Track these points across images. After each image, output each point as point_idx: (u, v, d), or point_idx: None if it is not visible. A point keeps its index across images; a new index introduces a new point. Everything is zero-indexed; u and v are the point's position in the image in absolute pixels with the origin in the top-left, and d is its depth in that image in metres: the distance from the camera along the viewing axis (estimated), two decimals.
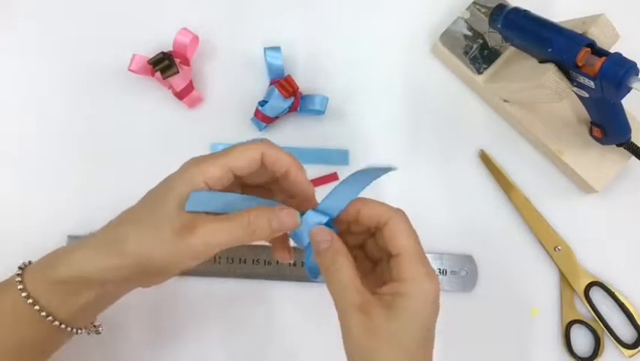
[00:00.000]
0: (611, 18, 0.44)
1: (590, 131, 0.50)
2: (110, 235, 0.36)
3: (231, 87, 0.53)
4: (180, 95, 0.51)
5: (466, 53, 0.53)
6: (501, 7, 0.49)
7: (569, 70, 0.43)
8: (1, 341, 0.36)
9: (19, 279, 0.36)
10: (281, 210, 0.34)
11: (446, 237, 0.52)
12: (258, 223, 0.34)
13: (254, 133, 0.52)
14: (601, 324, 0.50)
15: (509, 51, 0.53)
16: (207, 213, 0.34)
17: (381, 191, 0.52)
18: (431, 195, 0.53)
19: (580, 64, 0.42)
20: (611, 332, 0.50)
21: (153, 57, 0.50)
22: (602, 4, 0.47)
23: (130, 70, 0.50)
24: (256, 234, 0.34)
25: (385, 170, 0.36)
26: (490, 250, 0.52)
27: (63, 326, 0.37)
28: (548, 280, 0.52)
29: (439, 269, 0.51)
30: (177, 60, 0.51)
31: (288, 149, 0.51)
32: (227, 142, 0.52)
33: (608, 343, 0.50)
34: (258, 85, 0.53)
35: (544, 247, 0.52)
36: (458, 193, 0.53)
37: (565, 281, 0.51)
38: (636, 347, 0.50)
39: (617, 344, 0.50)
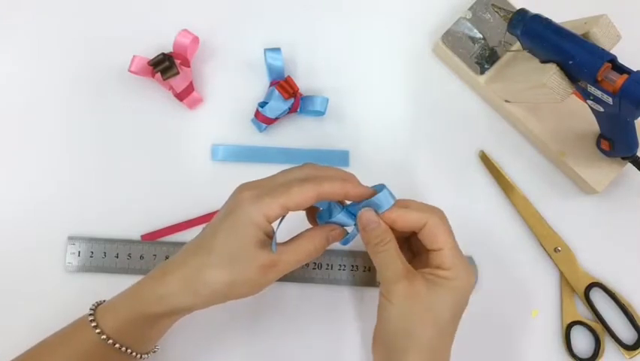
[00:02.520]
0: (613, 18, 0.44)
1: (598, 143, 0.50)
2: (196, 275, 0.38)
3: (231, 88, 0.53)
4: (181, 97, 0.51)
5: (467, 53, 0.53)
6: (522, 13, 0.46)
7: (587, 84, 0.42)
8: None
9: (95, 324, 0.40)
10: (332, 230, 0.41)
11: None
12: (320, 246, 0.40)
13: (254, 134, 0.53)
14: (601, 325, 0.50)
15: (511, 52, 0.52)
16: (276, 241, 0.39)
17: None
18: (431, 195, 0.53)
19: (599, 79, 0.41)
20: (611, 333, 0.50)
21: (153, 58, 0.50)
22: (603, 5, 0.47)
23: (130, 71, 0.50)
24: (319, 252, 0.41)
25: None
26: (490, 251, 0.52)
27: (138, 355, 0.41)
28: (548, 280, 0.52)
29: None
30: (177, 61, 0.51)
31: (289, 150, 0.52)
32: (228, 143, 0.52)
33: (608, 344, 0.50)
34: (258, 86, 0.53)
35: (544, 248, 0.52)
36: (458, 194, 0.53)
37: (565, 282, 0.51)
38: (637, 348, 0.50)
39: (618, 345, 0.50)
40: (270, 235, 0.39)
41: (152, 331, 0.41)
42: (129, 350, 0.40)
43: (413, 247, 0.45)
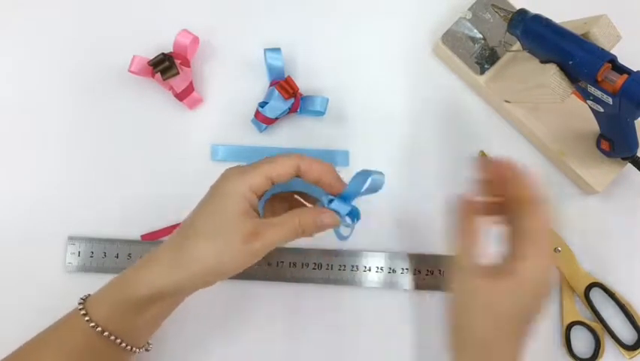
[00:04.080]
0: (613, 18, 0.44)
1: (598, 144, 0.50)
2: (180, 250, 0.39)
3: (231, 88, 0.53)
4: (180, 97, 0.51)
5: (467, 53, 0.53)
6: (522, 13, 0.46)
7: (587, 84, 0.42)
8: None
9: (84, 311, 0.39)
10: (323, 212, 0.40)
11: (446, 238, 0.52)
12: (306, 224, 0.39)
13: (254, 134, 0.53)
14: (601, 325, 0.50)
15: (511, 52, 0.52)
16: (262, 216, 0.40)
17: (381, 192, 0.52)
18: (431, 195, 0.53)
19: (599, 79, 0.41)
20: (611, 333, 0.50)
21: (153, 58, 0.50)
22: (603, 5, 0.47)
23: (130, 71, 0.50)
24: (305, 232, 0.40)
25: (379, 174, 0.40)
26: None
27: (129, 347, 0.40)
28: None
29: (439, 270, 0.51)
30: (177, 61, 0.51)
31: (289, 150, 0.52)
32: (228, 143, 0.52)
33: (608, 344, 0.50)
34: (258, 86, 0.53)
35: None
36: (458, 194, 0.53)
37: (565, 282, 0.51)
38: (637, 349, 0.49)
39: (618, 346, 0.50)
40: (256, 207, 0.39)
41: (141, 318, 0.40)
42: (118, 340, 0.39)
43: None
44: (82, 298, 0.41)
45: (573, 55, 0.42)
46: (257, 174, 0.38)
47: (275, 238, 0.38)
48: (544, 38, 0.44)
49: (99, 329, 0.39)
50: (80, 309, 0.40)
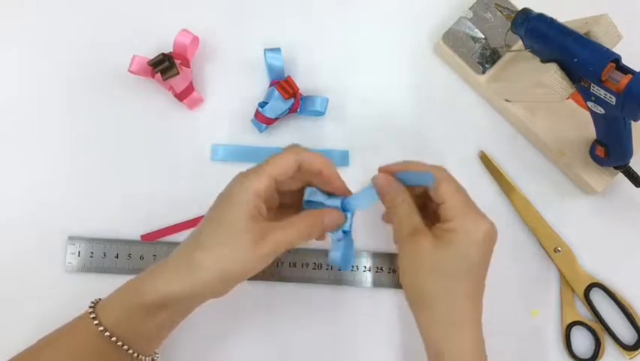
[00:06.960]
0: (613, 18, 0.44)
1: (592, 150, 0.50)
2: (190, 259, 0.39)
3: (231, 88, 0.53)
4: (180, 97, 0.51)
5: (468, 52, 0.53)
6: (526, 12, 0.46)
7: (590, 84, 0.42)
8: None
9: (94, 315, 0.40)
10: (329, 212, 0.41)
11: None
12: (313, 223, 0.40)
13: (254, 134, 0.53)
14: (601, 325, 0.50)
15: (511, 51, 0.52)
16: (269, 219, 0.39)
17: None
18: None
19: (604, 78, 0.41)
20: (611, 333, 0.50)
21: (153, 58, 0.50)
22: (603, 5, 0.47)
23: (130, 71, 0.50)
24: (312, 234, 0.40)
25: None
26: None
27: (135, 354, 0.40)
28: (548, 281, 0.52)
29: None
30: (177, 61, 0.51)
31: None
32: (228, 143, 0.52)
33: (608, 344, 0.50)
34: (258, 86, 0.53)
35: (544, 248, 0.52)
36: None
37: (565, 282, 0.51)
38: (636, 349, 0.50)
39: (618, 346, 0.50)
40: (263, 211, 0.39)
41: (149, 324, 0.40)
42: (125, 347, 0.40)
43: (430, 210, 0.44)
44: (92, 302, 0.41)
45: (578, 54, 0.42)
46: (259, 178, 0.39)
47: (283, 240, 0.39)
48: (548, 37, 0.44)
49: (107, 333, 0.39)
50: (91, 313, 0.40)
